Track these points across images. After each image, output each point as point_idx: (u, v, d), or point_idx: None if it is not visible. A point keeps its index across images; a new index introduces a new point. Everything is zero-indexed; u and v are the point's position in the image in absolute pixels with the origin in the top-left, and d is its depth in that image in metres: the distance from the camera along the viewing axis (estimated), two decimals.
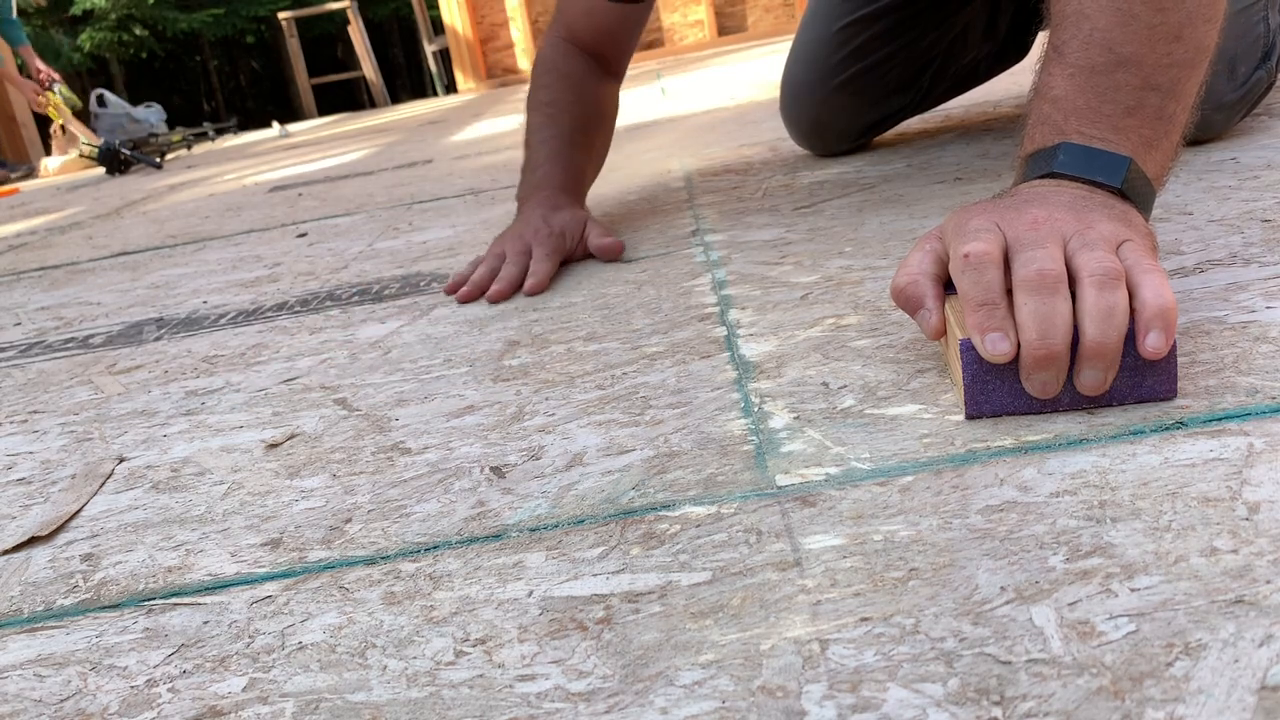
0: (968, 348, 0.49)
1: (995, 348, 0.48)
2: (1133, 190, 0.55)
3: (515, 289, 0.92)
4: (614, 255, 0.97)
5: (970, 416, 0.51)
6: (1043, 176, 0.56)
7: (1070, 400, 0.49)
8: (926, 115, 1.39)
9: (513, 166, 1.88)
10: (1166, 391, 0.49)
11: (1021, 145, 0.60)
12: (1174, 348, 0.48)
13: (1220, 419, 0.47)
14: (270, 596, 0.46)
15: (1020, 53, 1.32)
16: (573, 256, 0.99)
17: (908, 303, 0.55)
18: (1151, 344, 0.47)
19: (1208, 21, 0.58)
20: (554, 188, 1.03)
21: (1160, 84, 0.56)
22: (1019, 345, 0.48)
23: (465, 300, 0.92)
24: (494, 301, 0.90)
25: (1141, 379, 0.49)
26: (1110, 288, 0.47)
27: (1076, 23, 0.57)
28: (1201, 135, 1.00)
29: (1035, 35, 1.31)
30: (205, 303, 1.13)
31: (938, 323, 0.54)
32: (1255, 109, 1.03)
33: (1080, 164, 0.55)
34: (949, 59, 1.27)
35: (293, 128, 4.65)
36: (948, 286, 0.55)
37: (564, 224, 0.98)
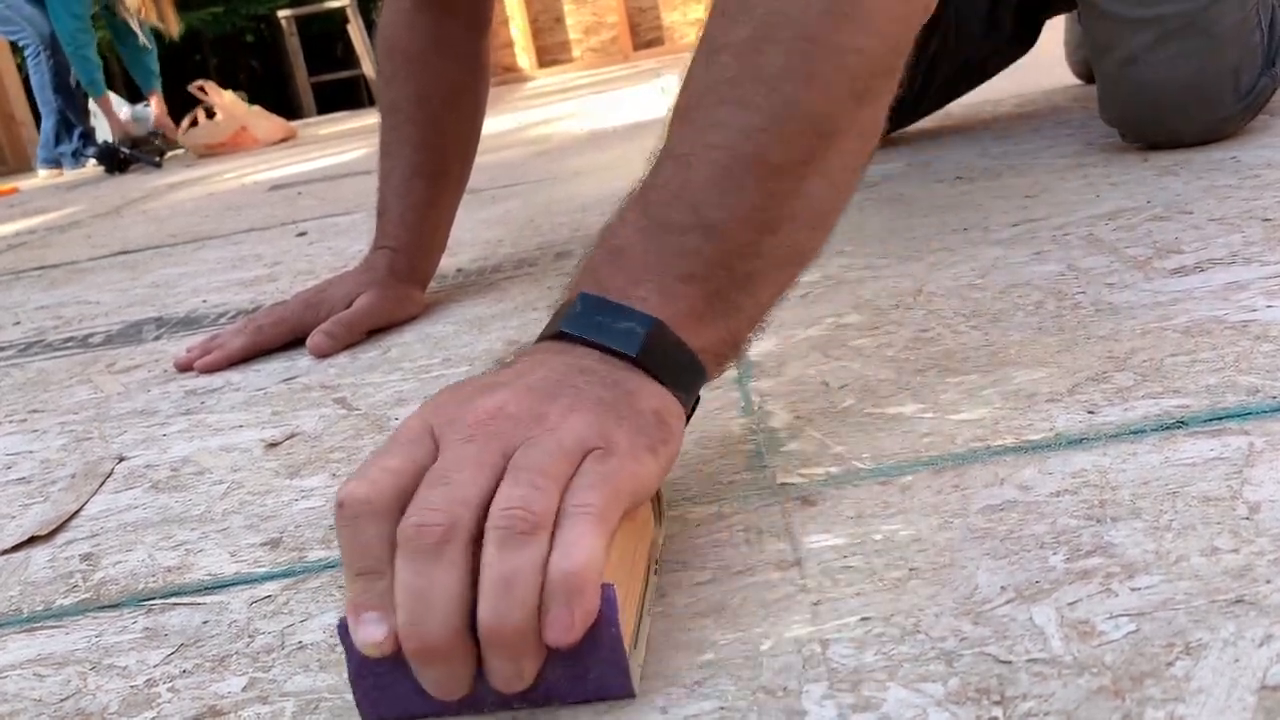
0: (347, 631, 0.35)
1: (366, 633, 0.34)
2: (654, 361, 0.42)
3: (228, 363, 0.85)
4: (315, 353, 0.83)
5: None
6: (553, 336, 0.44)
7: (495, 699, 0.35)
8: (924, 115, 1.39)
9: (511, 165, 1.88)
10: (618, 687, 0.35)
11: (562, 293, 0.47)
12: (611, 629, 0.34)
13: (1221, 418, 0.47)
14: (270, 596, 0.46)
15: (1028, 42, 1.31)
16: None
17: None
18: (552, 625, 0.33)
19: (813, 229, 0.48)
20: (391, 250, 0.91)
21: (735, 267, 0.45)
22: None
23: (180, 369, 0.86)
24: (203, 372, 0.84)
25: (583, 670, 0.34)
26: (515, 545, 0.34)
27: (675, 171, 0.46)
28: (1209, 139, 1.00)
29: (1043, 23, 1.30)
30: (205, 302, 1.13)
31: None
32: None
33: (591, 323, 0.43)
34: (944, 56, 1.27)
35: (296, 125, 4.66)
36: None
37: (330, 303, 0.88)
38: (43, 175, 4.22)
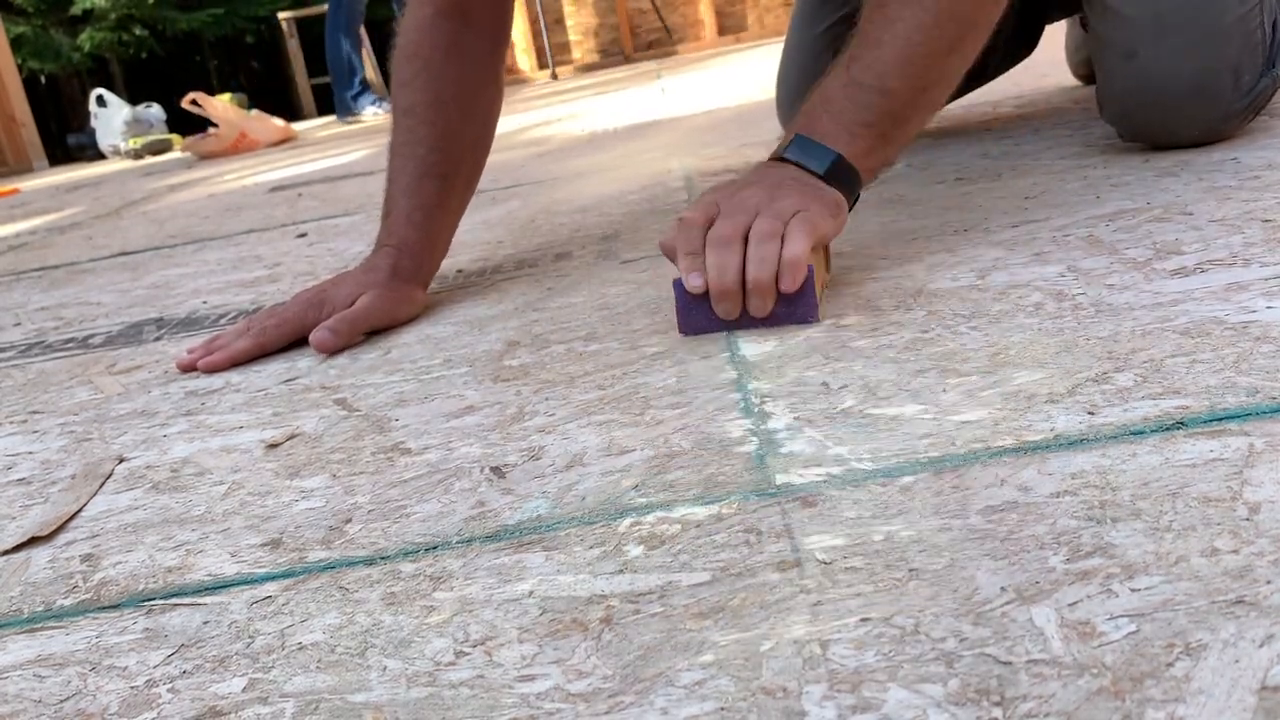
0: (679, 284, 0.70)
1: (693, 281, 0.69)
2: (833, 176, 0.73)
3: (232, 363, 0.85)
4: (318, 348, 0.84)
5: (684, 333, 0.71)
6: (778, 159, 0.76)
7: (746, 322, 0.69)
8: None
9: (512, 166, 1.88)
10: (809, 316, 0.68)
11: (794, 123, 0.77)
12: (809, 285, 0.68)
13: (1221, 419, 0.47)
14: (270, 597, 0.46)
15: (1030, 45, 1.31)
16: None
17: (665, 251, 0.74)
18: (783, 282, 0.67)
19: (947, 89, 0.79)
20: (395, 249, 0.92)
21: (898, 115, 0.76)
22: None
23: (182, 369, 0.86)
24: (206, 371, 0.84)
25: (793, 308, 0.68)
26: (767, 243, 0.68)
27: (870, 46, 0.75)
28: (1208, 140, 1.00)
29: (1044, 26, 1.30)
30: (205, 303, 1.13)
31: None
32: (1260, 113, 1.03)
33: (797, 152, 0.75)
34: None
35: (297, 127, 4.67)
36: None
37: (334, 302, 0.88)
38: (346, 121, 4.67)
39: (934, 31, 0.74)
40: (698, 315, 0.70)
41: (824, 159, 0.74)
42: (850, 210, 0.76)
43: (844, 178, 0.74)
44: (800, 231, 0.68)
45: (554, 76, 4.49)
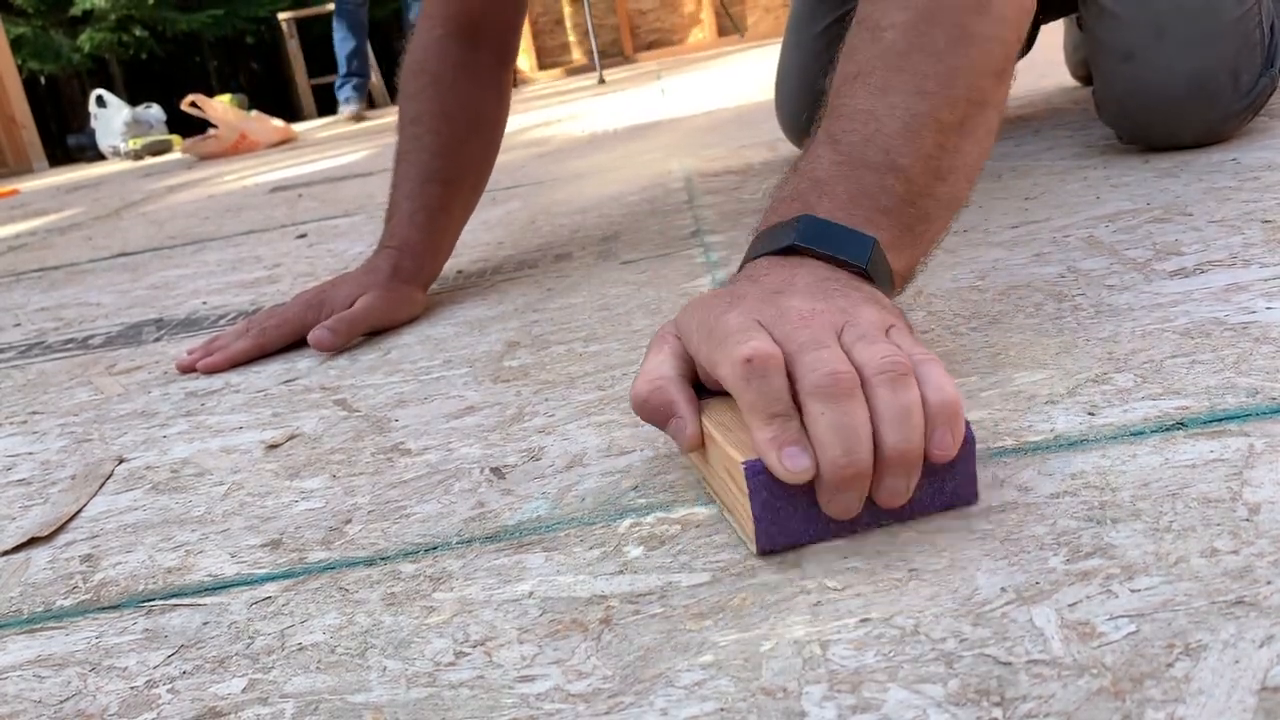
0: (757, 470, 0.41)
1: (795, 464, 0.40)
2: (877, 274, 0.51)
3: (231, 364, 0.85)
4: (317, 347, 0.83)
5: (763, 552, 0.42)
6: (779, 251, 0.51)
7: (869, 518, 0.42)
8: None
9: (512, 167, 1.88)
10: (968, 494, 0.43)
11: (763, 219, 0.55)
12: (970, 447, 0.42)
13: (1220, 420, 0.47)
14: (270, 597, 0.46)
15: (1026, 45, 1.31)
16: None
17: (654, 413, 0.48)
18: (938, 444, 0.41)
19: (967, 181, 0.57)
20: (396, 250, 0.92)
21: (918, 205, 0.54)
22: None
23: (181, 370, 0.86)
24: (205, 373, 0.84)
25: (941, 484, 0.43)
26: (903, 386, 0.41)
27: (864, 120, 0.55)
28: (1208, 141, 1.00)
29: (1039, 27, 1.30)
30: (205, 303, 1.13)
31: (695, 431, 0.46)
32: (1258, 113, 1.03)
33: (823, 238, 0.51)
34: None
35: (297, 127, 4.67)
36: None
37: (333, 302, 0.88)
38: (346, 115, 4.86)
39: (941, 101, 0.55)
40: (788, 517, 0.42)
41: (862, 247, 0.51)
42: None
43: (884, 277, 0.52)
44: (933, 361, 0.43)
45: (601, 81, 4.46)
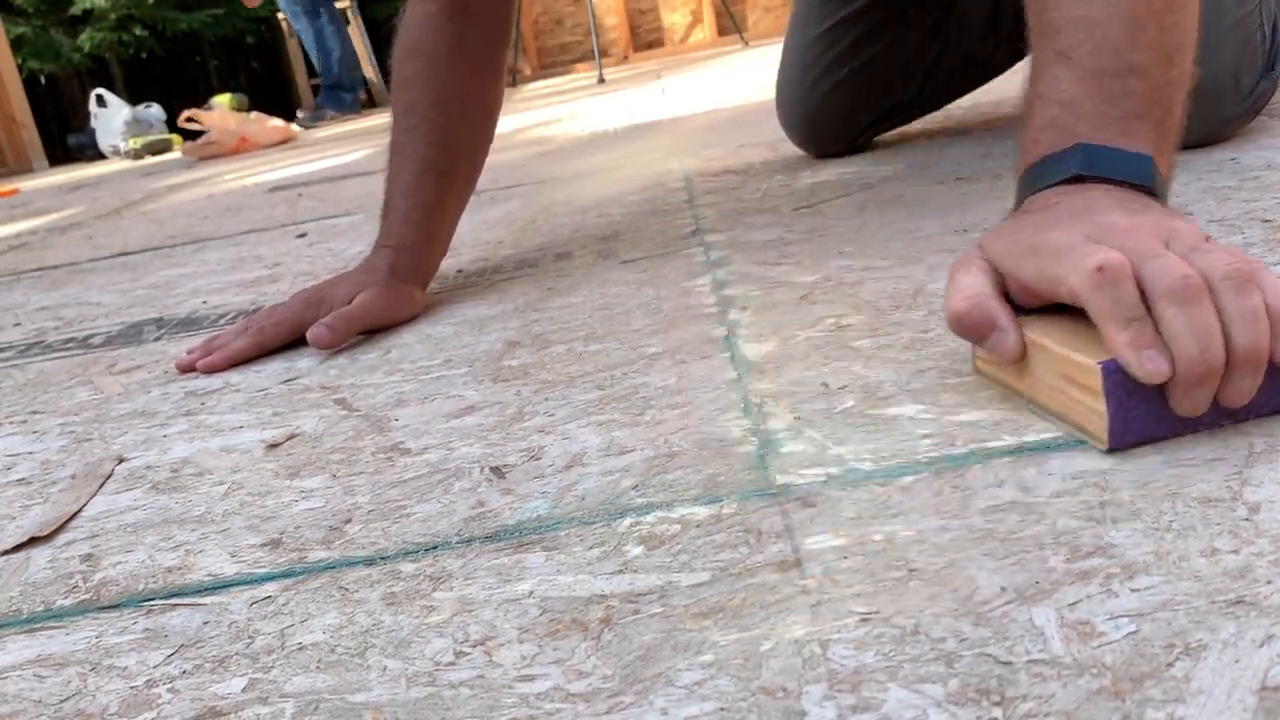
0: (1114, 370, 0.44)
1: (1153, 365, 0.43)
2: (1160, 190, 0.53)
3: (230, 363, 0.85)
4: (315, 344, 0.83)
5: (1114, 448, 0.45)
6: (1065, 182, 0.53)
7: (1210, 418, 0.45)
8: (926, 115, 1.39)
9: (512, 166, 1.88)
10: None
11: (1025, 150, 0.57)
12: None
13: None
14: (270, 597, 0.46)
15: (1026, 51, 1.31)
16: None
17: (972, 327, 0.50)
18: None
19: (1188, 56, 0.57)
20: (393, 249, 0.91)
21: (1161, 98, 0.55)
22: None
23: (181, 370, 0.85)
24: (205, 372, 0.84)
25: (1276, 386, 0.45)
26: (1248, 290, 0.44)
27: (1086, 28, 0.55)
28: (1208, 142, 1.00)
29: None
30: (205, 303, 1.13)
31: (1018, 341, 0.49)
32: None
33: (1107, 165, 0.53)
34: (945, 55, 1.27)
35: (296, 127, 4.67)
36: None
37: (331, 300, 0.88)
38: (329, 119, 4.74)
39: None
40: (1139, 415, 0.45)
41: (1143, 167, 0.53)
42: None
43: (1163, 192, 0.54)
44: (1266, 269, 0.46)
45: (602, 80, 4.45)
